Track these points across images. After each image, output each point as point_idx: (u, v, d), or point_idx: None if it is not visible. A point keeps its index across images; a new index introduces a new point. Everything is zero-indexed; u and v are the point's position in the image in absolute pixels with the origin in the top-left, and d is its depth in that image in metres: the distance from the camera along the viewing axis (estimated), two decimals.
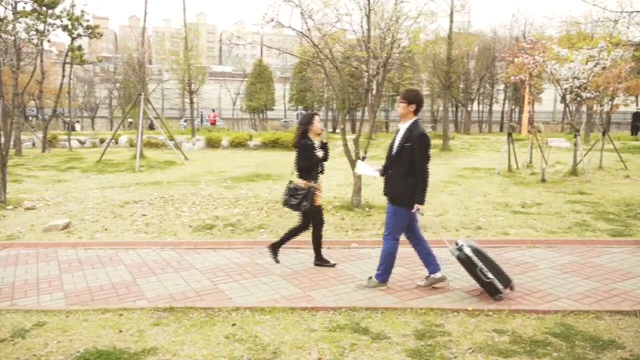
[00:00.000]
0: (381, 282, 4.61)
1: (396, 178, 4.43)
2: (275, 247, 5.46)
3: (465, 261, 4.28)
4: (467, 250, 4.24)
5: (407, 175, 4.33)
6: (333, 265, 5.28)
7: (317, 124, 5.12)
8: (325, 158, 5.21)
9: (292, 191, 5.09)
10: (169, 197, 9.11)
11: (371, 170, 4.79)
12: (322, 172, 5.23)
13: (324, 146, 5.19)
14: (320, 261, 5.33)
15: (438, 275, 4.58)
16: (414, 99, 4.38)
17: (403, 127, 4.44)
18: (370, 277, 4.65)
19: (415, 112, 4.40)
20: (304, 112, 36.60)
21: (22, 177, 12.13)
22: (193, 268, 5.29)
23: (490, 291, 4.23)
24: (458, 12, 19.56)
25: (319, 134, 5.14)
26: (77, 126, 37.74)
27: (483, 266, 4.20)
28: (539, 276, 4.89)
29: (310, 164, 5.06)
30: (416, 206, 4.32)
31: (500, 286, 4.19)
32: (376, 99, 8.79)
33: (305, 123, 5.12)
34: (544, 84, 24.77)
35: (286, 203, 5.14)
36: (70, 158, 16.63)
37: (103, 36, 21.31)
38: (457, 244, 4.40)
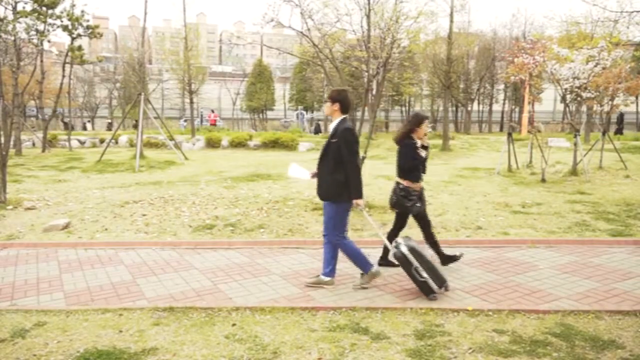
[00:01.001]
0: (369, 272, 4.59)
1: (323, 175, 4.47)
2: (384, 259, 5.22)
3: (401, 259, 4.30)
4: (403, 249, 4.27)
5: (334, 172, 4.37)
6: (398, 265, 5.08)
7: (425, 127, 5.01)
8: (425, 159, 5.09)
9: (405, 192, 4.94)
10: (169, 197, 9.11)
11: (304, 173, 4.78)
12: (424, 172, 5.11)
13: (425, 148, 5.09)
14: (444, 259, 5.15)
15: (326, 279, 4.65)
16: (338, 98, 4.45)
17: (332, 125, 4.51)
18: (362, 274, 4.66)
19: (342, 111, 4.47)
20: (303, 112, 36.63)
21: (22, 177, 12.13)
22: (193, 268, 5.29)
23: (425, 290, 4.27)
24: (458, 12, 19.56)
25: (421, 138, 5.02)
26: (89, 126, 37.65)
27: (418, 265, 4.23)
28: (539, 276, 4.89)
29: (413, 163, 4.96)
30: (355, 202, 4.36)
31: (434, 286, 4.23)
32: (376, 99, 8.80)
33: (415, 124, 4.98)
34: (544, 84, 24.77)
35: (399, 204, 4.99)
36: (70, 158, 16.63)
37: (103, 36, 21.31)
38: (396, 242, 4.43)
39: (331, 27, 8.41)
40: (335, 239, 4.52)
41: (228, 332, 3.62)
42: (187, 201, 8.76)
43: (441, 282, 4.27)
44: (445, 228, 6.82)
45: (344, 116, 4.48)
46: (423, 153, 4.98)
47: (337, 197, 4.41)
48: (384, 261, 5.20)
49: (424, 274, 4.21)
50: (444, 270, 4.41)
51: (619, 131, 24.16)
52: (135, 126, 20.63)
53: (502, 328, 3.67)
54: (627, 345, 3.38)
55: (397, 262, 5.04)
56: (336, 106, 4.46)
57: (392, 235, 5.15)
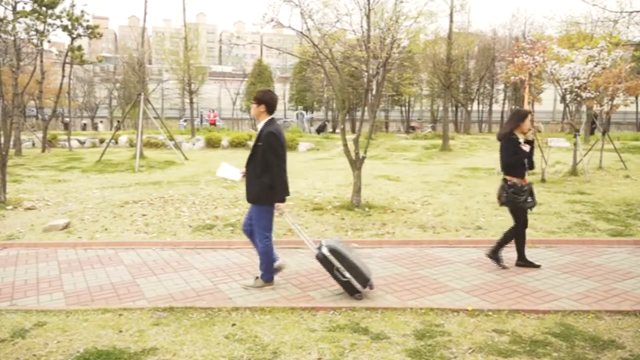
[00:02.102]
0: (266, 281, 4.63)
1: (251, 178, 4.49)
2: (524, 261, 5.18)
3: (323, 260, 4.32)
4: (324, 250, 4.29)
5: (261, 175, 4.39)
6: (538, 266, 5.10)
7: (528, 123, 4.99)
8: (531, 154, 5.03)
9: (514, 188, 4.91)
10: (168, 197, 9.11)
11: (234, 173, 4.78)
12: (530, 167, 5.06)
13: (530, 143, 5.04)
14: (524, 262, 5.15)
15: (250, 282, 4.69)
16: (263, 99, 4.45)
17: (259, 127, 4.51)
18: (257, 277, 4.67)
19: (268, 112, 4.46)
20: (303, 112, 36.60)
21: (22, 177, 12.13)
22: (193, 268, 5.29)
23: (349, 290, 4.29)
24: (458, 12, 19.60)
25: (524, 133, 5.00)
26: (101, 126, 37.51)
27: (340, 266, 4.24)
28: (539, 276, 4.89)
29: (517, 158, 4.92)
30: (277, 205, 4.39)
31: (358, 285, 4.24)
32: (376, 99, 8.78)
33: (518, 119, 4.96)
34: (544, 84, 24.76)
35: (510, 201, 4.95)
36: (70, 158, 16.63)
37: (103, 36, 21.31)
38: (319, 243, 4.45)
39: (331, 27, 8.40)
40: (262, 238, 4.54)
41: (228, 332, 3.62)
42: (187, 201, 8.76)
43: (365, 281, 4.27)
44: (445, 228, 6.82)
45: (271, 117, 4.48)
46: (527, 148, 4.94)
47: (263, 200, 4.44)
48: (522, 262, 5.16)
49: (347, 274, 4.24)
50: (368, 269, 4.44)
51: (592, 131, 24.19)
52: (119, 128, 20.65)
53: (502, 328, 3.67)
54: (627, 345, 3.39)
55: (538, 264, 5.10)
56: (262, 107, 4.45)
57: (521, 236, 5.12)
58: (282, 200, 4.43)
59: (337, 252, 4.27)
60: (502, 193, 5.02)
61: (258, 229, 4.54)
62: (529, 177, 5.10)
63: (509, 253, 5.68)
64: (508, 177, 4.98)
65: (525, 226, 5.17)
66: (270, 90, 4.63)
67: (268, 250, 4.56)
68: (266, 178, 4.36)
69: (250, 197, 4.52)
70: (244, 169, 4.61)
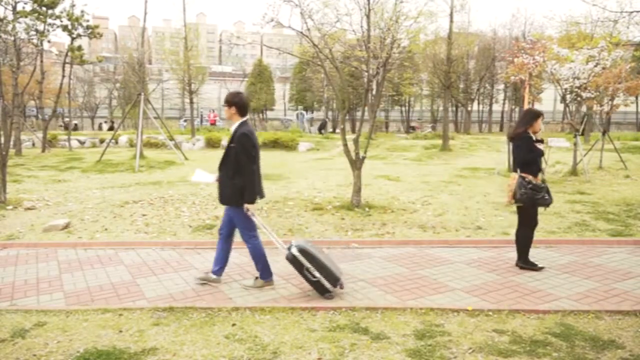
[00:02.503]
0: (267, 280, 4.65)
1: (224, 180, 4.50)
2: (525, 263, 5.14)
3: (292, 261, 4.34)
4: (294, 250, 4.32)
5: (233, 177, 4.41)
6: (541, 269, 5.06)
7: (541, 123, 4.99)
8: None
9: (534, 186, 4.88)
10: (168, 197, 9.11)
11: (208, 177, 4.80)
12: (540, 167, 5.05)
13: (540, 142, 5.02)
14: (526, 264, 5.13)
15: (213, 277, 4.72)
16: (233, 101, 4.48)
17: (231, 129, 4.53)
18: (257, 277, 4.68)
19: (240, 114, 4.49)
20: (303, 112, 36.60)
21: (22, 177, 12.13)
22: (193, 268, 5.29)
23: (319, 290, 4.32)
24: (458, 12, 19.58)
25: (535, 132, 5.00)
26: (104, 126, 37.43)
27: (310, 266, 4.26)
28: (539, 276, 4.89)
29: (532, 156, 4.93)
30: (245, 206, 4.41)
31: (328, 285, 4.27)
32: (376, 99, 8.78)
33: (530, 119, 4.97)
34: (544, 84, 24.79)
35: (529, 198, 4.90)
36: (70, 158, 16.63)
37: (103, 36, 21.32)
38: (289, 244, 4.47)
39: (331, 27, 8.39)
40: (249, 239, 4.56)
41: (228, 332, 3.62)
42: (187, 201, 8.76)
43: (335, 280, 4.29)
44: (445, 228, 6.82)
45: (243, 119, 4.50)
46: (541, 146, 4.93)
47: (236, 202, 4.46)
48: (522, 263, 5.14)
49: (316, 274, 4.26)
50: (339, 269, 4.47)
51: (582, 131, 24.17)
52: (112, 128, 20.67)
53: (502, 328, 3.67)
54: (627, 345, 3.39)
55: (541, 266, 5.09)
56: (233, 110, 4.48)
57: (528, 237, 5.10)
58: (252, 202, 4.43)
59: (306, 252, 4.31)
60: (519, 190, 4.93)
61: (242, 230, 4.57)
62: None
63: (511, 253, 5.68)
64: (526, 175, 4.95)
65: (534, 227, 5.16)
66: (240, 93, 4.68)
67: (257, 248, 4.58)
68: (238, 180, 4.39)
69: (223, 199, 4.56)
70: (217, 173, 4.64)
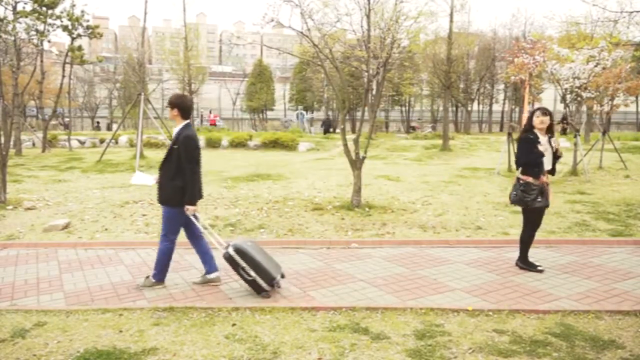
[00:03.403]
0: (158, 281, 4.69)
1: (164, 180, 4.54)
2: (524, 263, 5.14)
3: (228, 260, 4.40)
4: (230, 250, 4.39)
5: (174, 178, 4.45)
6: (541, 271, 5.01)
7: (536, 119, 4.96)
8: (555, 154, 4.96)
9: (524, 187, 4.91)
10: None
11: (147, 179, 4.84)
12: (551, 172, 5.02)
13: (550, 140, 4.96)
14: (525, 264, 5.12)
15: (212, 276, 4.74)
16: (175, 103, 4.53)
17: (174, 130, 4.59)
18: (148, 276, 4.71)
19: (183, 116, 4.54)
20: (303, 112, 36.62)
21: (22, 177, 12.13)
22: (193, 268, 5.29)
23: (255, 288, 4.39)
24: (458, 12, 19.59)
25: (540, 130, 4.95)
26: (114, 127, 37.42)
27: (245, 265, 4.33)
28: (539, 276, 4.89)
29: (532, 157, 4.91)
30: (186, 207, 4.44)
31: (264, 284, 4.33)
32: (376, 99, 8.78)
33: (529, 118, 5.00)
34: (544, 84, 24.79)
35: (520, 200, 4.94)
36: (70, 158, 16.63)
37: (103, 36, 21.31)
38: (226, 244, 4.52)
39: (331, 27, 8.39)
40: (165, 239, 4.60)
41: (228, 332, 3.63)
42: None
43: (270, 279, 4.35)
44: (445, 228, 6.82)
45: (187, 121, 4.56)
46: (542, 148, 4.87)
47: (174, 203, 4.50)
48: (524, 264, 5.13)
49: (252, 273, 4.32)
50: (278, 268, 4.53)
51: (563, 131, 24.16)
52: (98, 127, 20.67)
53: (502, 328, 3.67)
54: (627, 345, 3.39)
55: (541, 268, 5.06)
56: (175, 111, 4.53)
57: (528, 237, 5.09)
58: (192, 203, 4.47)
59: (242, 251, 4.36)
60: (512, 191, 5.03)
61: (164, 229, 4.61)
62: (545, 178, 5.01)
63: (511, 253, 5.68)
64: (522, 177, 4.96)
65: (536, 229, 5.12)
66: (183, 95, 4.74)
67: (167, 252, 4.62)
68: (179, 181, 4.43)
69: (161, 199, 4.59)
70: (157, 175, 4.68)
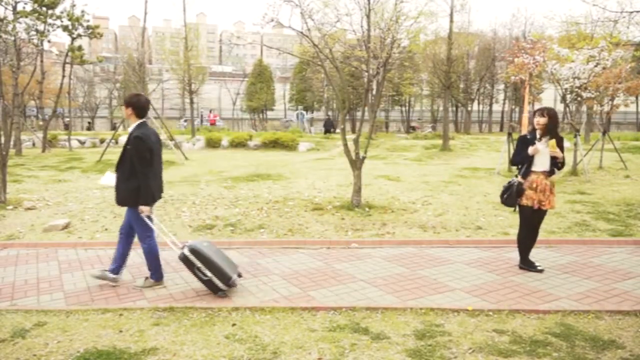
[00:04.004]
0: (157, 280, 4.70)
1: (120, 181, 4.55)
2: (523, 263, 5.13)
3: (184, 260, 4.43)
4: (185, 250, 4.41)
5: (129, 178, 4.46)
6: (541, 271, 5.00)
7: (534, 119, 4.98)
8: (561, 159, 4.90)
9: (506, 185, 5.04)
10: (169, 197, 9.11)
11: (113, 179, 4.85)
12: (558, 167, 4.98)
13: (559, 142, 4.89)
14: (525, 264, 5.12)
15: (111, 275, 4.73)
16: (130, 102, 4.53)
17: (129, 130, 4.58)
18: (147, 277, 4.73)
19: (137, 115, 4.53)
20: (303, 112, 36.62)
21: (22, 177, 12.13)
22: None
23: (211, 288, 4.42)
24: (458, 12, 19.61)
25: (541, 130, 4.94)
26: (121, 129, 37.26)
27: (201, 265, 4.36)
28: (539, 276, 4.89)
29: (517, 158, 5.01)
30: (140, 208, 4.45)
31: (220, 284, 4.36)
32: (376, 99, 8.78)
33: (530, 119, 5.10)
34: (544, 84, 24.78)
35: (501, 197, 5.09)
36: (70, 158, 16.64)
37: (103, 36, 21.31)
38: (184, 245, 4.54)
39: (331, 27, 8.39)
40: (144, 239, 4.61)
41: (228, 332, 3.62)
42: (187, 201, 8.76)
43: (226, 279, 4.36)
44: (445, 228, 6.82)
45: (141, 121, 4.53)
46: (532, 150, 4.83)
47: (132, 203, 4.50)
48: (524, 265, 5.12)
49: (208, 273, 4.34)
50: (235, 268, 4.54)
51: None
52: (89, 128, 20.67)
53: (502, 328, 3.67)
54: (627, 345, 3.39)
55: (541, 268, 5.07)
56: (129, 110, 4.52)
57: (522, 238, 5.08)
58: (147, 204, 4.47)
59: (197, 252, 4.38)
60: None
61: (137, 230, 4.62)
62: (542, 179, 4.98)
63: (511, 253, 5.68)
64: (518, 177, 5.01)
65: (529, 229, 5.07)
66: (138, 94, 4.72)
67: (152, 249, 4.63)
68: (133, 181, 4.43)
69: (118, 200, 4.59)
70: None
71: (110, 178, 5.04)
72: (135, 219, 4.58)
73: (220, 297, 4.37)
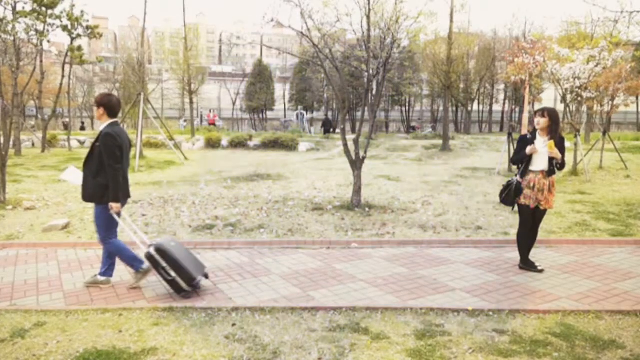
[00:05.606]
0: (139, 268, 4.64)
1: (88, 177, 4.56)
2: (524, 263, 5.14)
3: (150, 259, 4.43)
4: (151, 250, 4.41)
5: (97, 175, 4.47)
6: (541, 271, 5.01)
7: (534, 119, 5.01)
8: (561, 161, 4.89)
9: (505, 184, 5.08)
10: (168, 197, 9.10)
11: (77, 177, 4.85)
12: (560, 168, 4.98)
13: (560, 143, 4.90)
14: (525, 264, 5.12)
15: (102, 278, 4.73)
16: (101, 102, 4.56)
17: (100, 128, 4.60)
18: (134, 272, 4.69)
19: (109, 115, 4.56)
20: (303, 112, 36.60)
21: (22, 177, 12.12)
22: None
23: (175, 288, 4.41)
24: (458, 12, 19.58)
25: (542, 130, 4.96)
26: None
27: (166, 265, 4.35)
28: (539, 276, 4.89)
29: (516, 158, 5.04)
30: (110, 205, 4.46)
31: (183, 284, 4.35)
32: (376, 99, 8.78)
33: (530, 119, 5.14)
34: (545, 84, 24.76)
35: (500, 196, 5.14)
36: (70, 158, 16.63)
37: (103, 36, 21.31)
38: (151, 243, 4.54)
39: (331, 27, 8.39)
40: (103, 238, 4.60)
41: (228, 332, 3.62)
42: (186, 201, 8.75)
43: (190, 280, 4.35)
44: (446, 228, 6.81)
45: (112, 120, 4.56)
46: (530, 149, 4.84)
47: (99, 200, 4.50)
48: (521, 263, 5.12)
49: (172, 273, 4.34)
50: (201, 268, 4.55)
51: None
52: (82, 128, 20.64)
53: (502, 328, 3.66)
54: (628, 345, 3.38)
55: (541, 268, 5.07)
56: (102, 110, 4.55)
57: (521, 237, 5.08)
58: (116, 201, 4.47)
59: (163, 251, 4.37)
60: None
61: (98, 230, 4.62)
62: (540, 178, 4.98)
63: (511, 253, 5.68)
64: (517, 176, 5.03)
65: (525, 228, 5.06)
66: (109, 94, 4.76)
67: (115, 246, 4.62)
68: (102, 178, 4.45)
69: (85, 196, 4.60)
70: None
71: (72, 173, 5.03)
72: (99, 216, 4.57)
73: (184, 298, 4.34)
